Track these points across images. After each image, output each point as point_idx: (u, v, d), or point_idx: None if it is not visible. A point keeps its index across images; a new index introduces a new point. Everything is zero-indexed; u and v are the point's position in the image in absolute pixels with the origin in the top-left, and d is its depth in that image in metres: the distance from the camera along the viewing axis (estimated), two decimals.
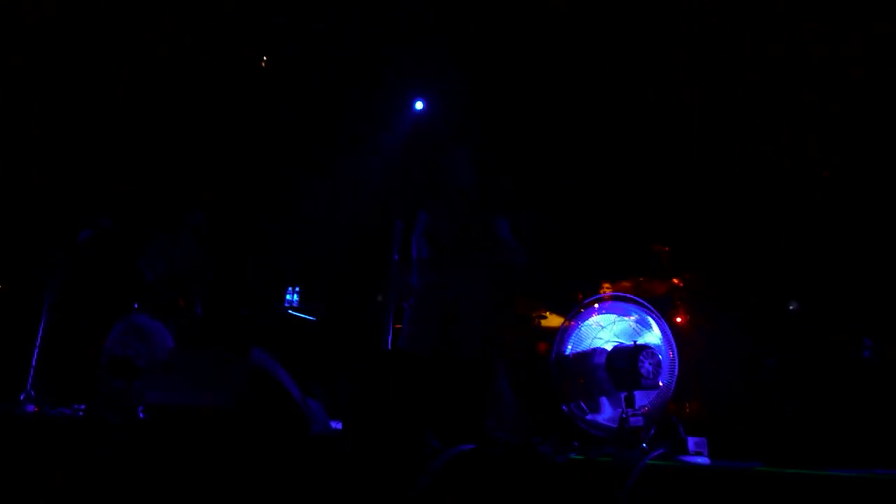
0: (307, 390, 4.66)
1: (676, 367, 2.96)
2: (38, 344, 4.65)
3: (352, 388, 3.46)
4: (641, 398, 3.03)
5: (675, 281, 6.19)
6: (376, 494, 2.85)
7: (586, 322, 5.98)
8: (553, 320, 6.83)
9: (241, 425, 3.38)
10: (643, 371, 2.99)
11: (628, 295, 3.40)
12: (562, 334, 6.29)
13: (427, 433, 3.03)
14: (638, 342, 3.19)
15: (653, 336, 3.22)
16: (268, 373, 3.57)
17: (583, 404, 5.43)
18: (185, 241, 6.16)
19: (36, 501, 3.46)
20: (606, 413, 3.48)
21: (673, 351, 2.97)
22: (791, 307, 6.84)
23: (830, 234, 7.15)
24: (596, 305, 6.16)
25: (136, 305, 4.31)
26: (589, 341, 3.66)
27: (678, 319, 3.44)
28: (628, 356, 3.25)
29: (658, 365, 3.05)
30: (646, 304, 3.28)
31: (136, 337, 4.25)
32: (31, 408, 4.25)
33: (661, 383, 3.03)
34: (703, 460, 2.74)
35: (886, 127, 6.99)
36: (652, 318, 3.25)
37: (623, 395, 3.01)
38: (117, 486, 3.35)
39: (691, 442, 2.74)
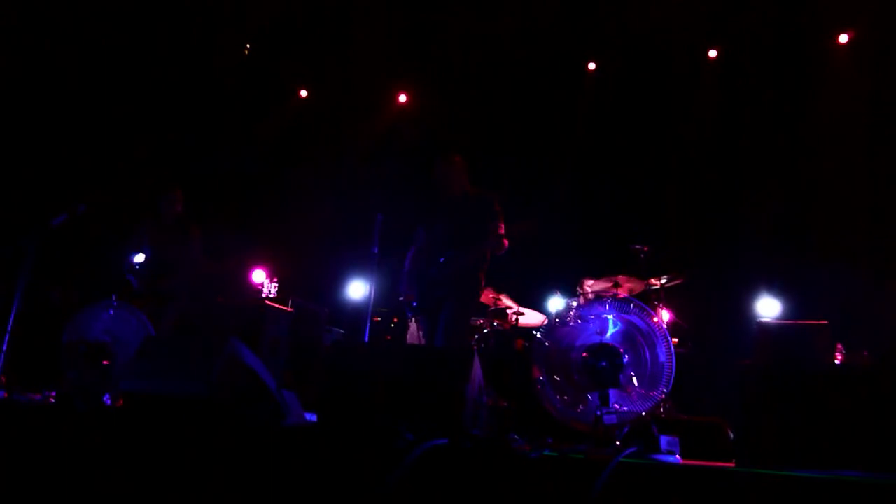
0: (282, 381, 4.68)
1: (670, 376, 2.97)
2: (9, 329, 4.59)
3: (327, 379, 3.46)
4: (622, 398, 3.05)
5: (653, 281, 6.23)
6: (349, 487, 2.85)
7: (571, 319, 6.04)
8: (530, 317, 6.88)
9: (214, 414, 3.36)
10: (621, 374, 3.01)
11: (629, 297, 3.41)
12: (548, 331, 6.35)
13: (401, 426, 3.03)
14: (614, 345, 3.20)
15: (642, 341, 3.22)
16: (243, 362, 3.55)
17: (561, 399, 5.47)
18: (171, 230, 6.11)
19: (5, 487, 3.42)
20: (584, 409, 3.49)
21: (671, 360, 2.98)
22: (762, 317, 6.93)
23: (804, 236, 7.26)
24: (579, 302, 6.22)
25: (113, 296, 4.26)
26: (572, 339, 3.67)
27: (654, 319, 3.45)
28: (602, 355, 3.26)
29: (621, 367, 3.08)
30: (642, 304, 3.29)
31: (111, 324, 4.21)
32: (1, 394, 4.20)
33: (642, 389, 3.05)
34: (674, 459, 2.77)
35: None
36: (640, 319, 3.25)
37: (596, 394, 3.03)
38: (88, 472, 3.32)
39: (664, 441, 2.77)
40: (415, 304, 5.00)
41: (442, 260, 4.83)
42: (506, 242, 4.92)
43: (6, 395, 4.16)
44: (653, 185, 8.02)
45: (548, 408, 5.29)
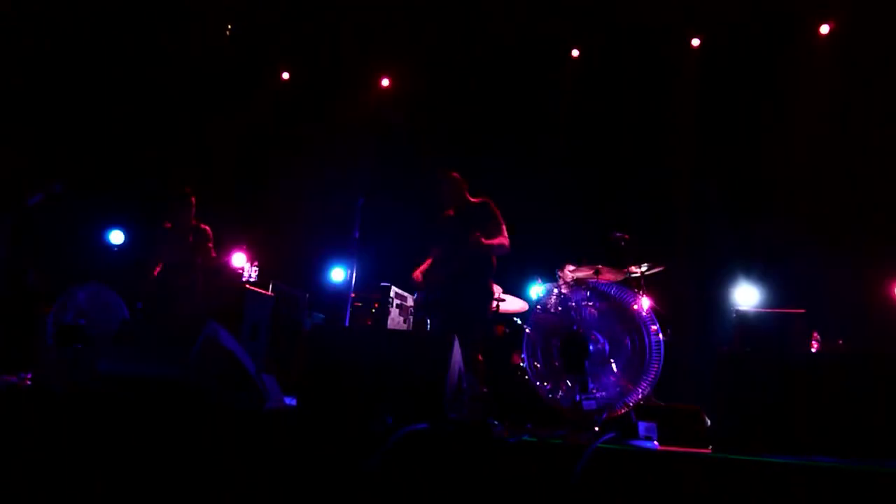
0: (263, 365, 4.67)
1: (655, 365, 2.98)
2: None
3: (307, 363, 3.45)
4: (604, 383, 3.06)
5: (632, 268, 6.27)
6: (328, 471, 2.85)
7: (552, 306, 6.07)
8: (511, 303, 6.89)
9: (192, 397, 3.34)
10: (600, 360, 3.03)
11: (611, 283, 3.41)
12: (529, 317, 6.37)
13: (381, 411, 3.03)
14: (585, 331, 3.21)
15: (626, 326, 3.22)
16: (222, 346, 3.53)
17: (541, 385, 5.50)
18: (185, 234, 6.16)
19: None
20: (565, 394, 3.50)
21: (656, 349, 2.98)
22: (741, 305, 7.00)
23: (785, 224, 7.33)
24: (560, 289, 6.25)
25: (92, 279, 4.22)
26: (552, 325, 3.68)
27: (636, 306, 3.47)
28: (581, 341, 3.26)
29: (601, 353, 3.09)
30: (623, 291, 3.29)
31: (89, 306, 4.16)
32: None
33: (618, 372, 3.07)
34: (652, 445, 2.79)
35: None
36: (622, 306, 3.26)
37: (576, 380, 3.05)
38: (64, 455, 3.29)
39: (642, 427, 2.79)
40: (431, 298, 5.45)
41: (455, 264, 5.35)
42: (507, 243, 5.44)
43: None
44: (634, 173, 8.05)
45: (528, 394, 5.33)
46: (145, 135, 8.60)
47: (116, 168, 8.40)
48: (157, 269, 6.09)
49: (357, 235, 4.93)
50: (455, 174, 5.68)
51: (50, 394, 3.66)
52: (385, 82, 9.36)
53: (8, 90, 7.73)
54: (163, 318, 5.18)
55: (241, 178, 8.82)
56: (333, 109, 8.92)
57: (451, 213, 5.66)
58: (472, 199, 5.66)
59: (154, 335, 3.66)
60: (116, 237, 8.36)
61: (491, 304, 5.66)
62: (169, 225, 6.22)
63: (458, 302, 5.29)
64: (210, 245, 6.18)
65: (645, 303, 5.92)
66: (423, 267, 5.65)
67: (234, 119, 8.82)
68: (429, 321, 5.46)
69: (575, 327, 3.35)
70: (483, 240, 5.21)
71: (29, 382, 4.00)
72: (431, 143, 8.52)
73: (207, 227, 6.24)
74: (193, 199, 6.23)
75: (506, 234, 5.44)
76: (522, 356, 6.02)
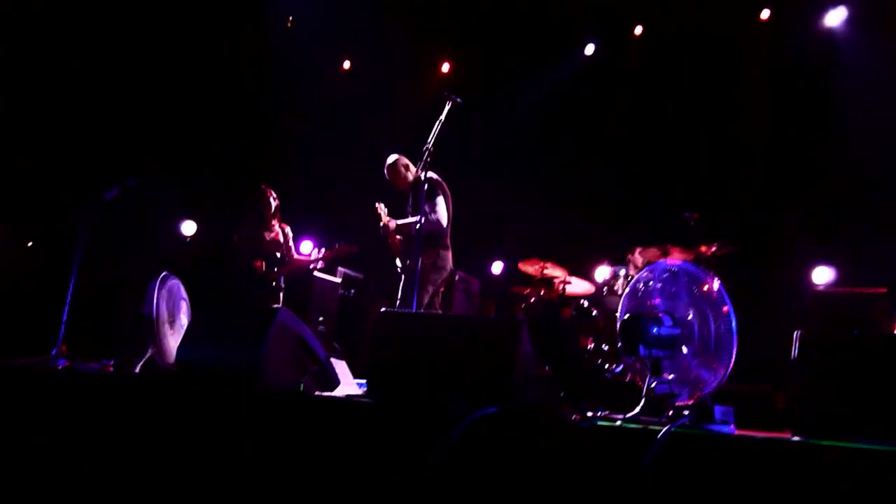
0: (332, 350, 4.73)
1: (730, 349, 2.88)
2: (68, 301, 4.72)
3: (375, 349, 3.47)
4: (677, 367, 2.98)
5: (703, 248, 6.11)
6: (400, 456, 2.86)
7: (619, 287, 5.97)
8: (578, 286, 6.82)
9: (265, 385, 3.41)
10: (674, 343, 2.95)
11: (682, 264, 3.33)
12: (596, 299, 6.30)
13: (451, 395, 3.03)
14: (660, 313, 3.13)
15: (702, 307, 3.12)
16: (293, 333, 3.58)
17: (610, 368, 5.45)
18: (269, 228, 6.34)
19: (67, 454, 3.54)
20: (635, 378, 3.43)
21: (730, 332, 2.89)
22: (817, 285, 6.75)
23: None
24: (628, 271, 6.15)
25: (164, 272, 4.36)
26: (620, 307, 3.61)
27: (707, 288, 3.38)
28: (651, 323, 3.18)
29: (674, 337, 3.00)
30: (695, 270, 3.20)
31: (166, 298, 4.30)
32: (63, 363, 4.33)
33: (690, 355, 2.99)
34: (729, 429, 2.71)
35: None
36: (694, 286, 3.17)
37: (647, 363, 2.98)
38: (144, 440, 3.40)
39: (718, 410, 2.71)
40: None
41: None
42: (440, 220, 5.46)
43: (68, 364, 4.28)
44: (703, 151, 7.83)
45: (597, 377, 5.28)
46: (215, 127, 8.79)
47: (188, 160, 8.62)
48: (240, 260, 6.22)
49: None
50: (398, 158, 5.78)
51: (130, 381, 3.80)
52: (445, 68, 9.33)
53: (84, 87, 8.00)
54: (238, 306, 5.30)
55: (309, 165, 8.93)
56: (394, 95, 8.94)
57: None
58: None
59: (229, 323, 3.73)
60: (188, 228, 8.61)
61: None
62: (251, 217, 6.35)
63: None
64: (290, 244, 6.30)
65: (717, 283, 5.80)
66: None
67: (298, 108, 8.93)
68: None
69: (644, 309, 3.27)
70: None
71: (111, 370, 4.15)
72: (491, 128, 8.47)
73: (287, 226, 6.36)
74: (273, 196, 6.34)
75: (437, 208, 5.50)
76: (590, 339, 6.00)
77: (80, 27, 7.92)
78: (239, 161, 8.82)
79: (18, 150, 7.73)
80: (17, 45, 7.59)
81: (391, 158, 5.78)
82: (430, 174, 5.27)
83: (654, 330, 2.95)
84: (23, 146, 7.78)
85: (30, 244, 7.69)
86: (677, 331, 3.04)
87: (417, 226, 4.74)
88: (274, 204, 6.35)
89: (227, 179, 8.70)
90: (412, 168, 5.73)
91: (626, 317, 3.05)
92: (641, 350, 2.89)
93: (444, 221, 5.44)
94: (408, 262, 5.36)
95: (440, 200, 5.47)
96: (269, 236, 6.23)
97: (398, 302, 5.33)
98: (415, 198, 5.57)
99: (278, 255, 6.14)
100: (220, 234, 7.83)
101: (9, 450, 3.69)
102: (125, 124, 8.22)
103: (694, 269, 3.34)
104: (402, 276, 5.44)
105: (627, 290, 3.86)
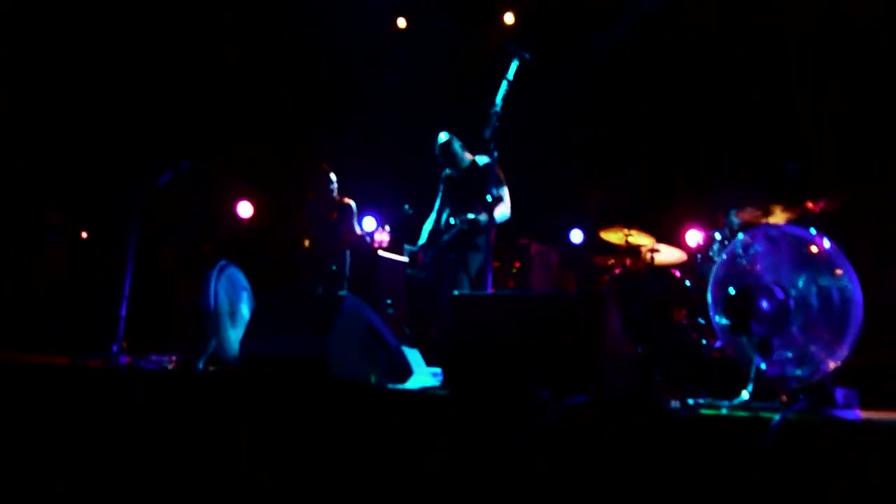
0: (402, 337, 4.74)
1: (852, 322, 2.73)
2: (126, 293, 4.85)
3: (450, 334, 3.45)
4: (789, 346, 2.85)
5: (809, 205, 5.84)
6: (481, 451, 2.84)
7: (715, 254, 5.79)
8: (667, 254, 6.65)
9: (336, 375, 3.44)
10: (781, 317, 2.83)
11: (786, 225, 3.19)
12: (690, 268, 6.13)
13: (535, 383, 2.99)
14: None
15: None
16: (362, 319, 3.61)
17: (709, 345, 5.30)
18: (330, 210, 6.46)
19: (136, 455, 3.65)
20: (740, 358, 3.31)
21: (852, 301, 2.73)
22: None
23: None
24: (724, 235, 5.96)
25: (223, 260, 4.43)
26: (717, 276, 3.49)
27: (818, 250, 3.22)
28: (756, 293, 3.04)
29: (783, 310, 2.87)
30: (803, 232, 3.06)
31: (228, 287, 4.38)
32: (124, 359, 4.47)
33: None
34: (854, 414, 2.59)
35: None
36: (802, 250, 3.02)
37: (754, 340, 2.87)
38: (213, 439, 3.48)
39: (839, 393, 2.59)
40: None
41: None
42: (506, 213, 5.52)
43: (129, 361, 4.41)
44: (805, 88, 7.43)
45: (695, 356, 5.14)
46: (267, 103, 8.88)
47: (241, 141, 8.74)
48: (305, 243, 6.30)
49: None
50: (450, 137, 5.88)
51: (194, 377, 3.89)
52: (509, 18, 9.16)
53: (131, 70, 8.18)
54: (303, 294, 5.37)
55: (367, 136, 8.94)
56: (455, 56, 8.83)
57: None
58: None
59: (294, 313, 3.77)
60: (245, 209, 8.78)
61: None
62: (312, 197, 6.41)
63: None
64: (353, 220, 6.33)
65: (828, 243, 5.56)
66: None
67: (352, 75, 8.92)
68: None
69: (747, 279, 3.14)
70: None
71: (174, 366, 4.26)
72: (562, 83, 8.30)
73: (351, 201, 6.40)
74: (333, 174, 6.39)
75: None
76: (684, 312, 5.85)
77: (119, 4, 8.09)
78: (294, 137, 8.90)
79: (69, 138, 7.98)
80: (60, 30, 7.80)
81: (444, 137, 5.82)
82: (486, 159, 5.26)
83: (764, 304, 2.82)
84: (74, 132, 8.03)
85: (84, 235, 7.96)
86: (789, 303, 2.91)
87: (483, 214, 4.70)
88: (335, 182, 6.40)
89: (282, 157, 8.81)
90: (466, 151, 5.80)
91: (731, 290, 2.93)
92: (755, 328, 2.77)
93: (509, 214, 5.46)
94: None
95: (506, 190, 5.50)
96: (329, 214, 6.29)
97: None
98: (473, 182, 5.59)
99: (340, 233, 6.20)
100: (281, 216, 7.95)
101: (76, 451, 3.84)
102: (175, 105, 8.39)
103: (797, 230, 3.20)
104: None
105: (723, 256, 3.74)
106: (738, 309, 2.99)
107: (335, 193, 6.41)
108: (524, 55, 4.65)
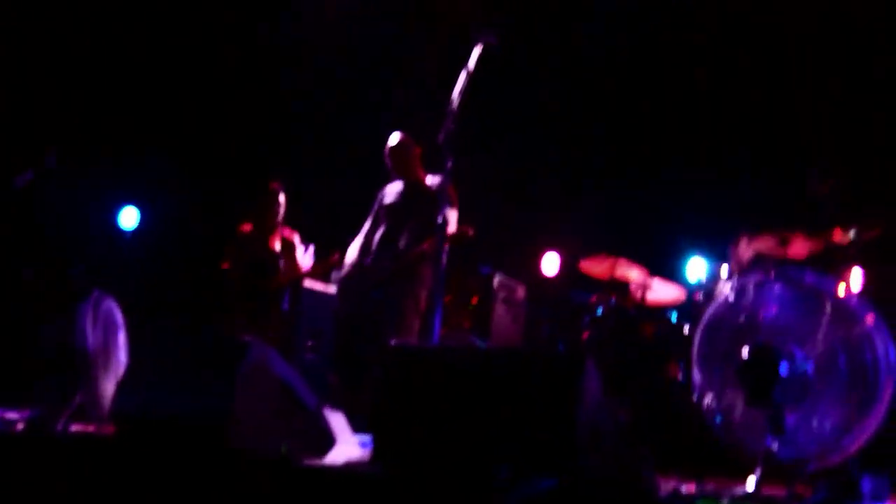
0: (324, 397, 4.68)
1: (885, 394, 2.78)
2: None
3: (384, 395, 3.44)
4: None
5: (838, 234, 5.95)
6: None
7: (720, 294, 5.87)
8: (662, 291, 6.72)
9: (234, 444, 3.40)
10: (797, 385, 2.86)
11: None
12: (688, 311, 6.20)
13: (492, 460, 2.99)
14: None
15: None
16: (272, 373, 3.58)
17: (710, 411, 5.35)
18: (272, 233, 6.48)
19: None
20: (746, 431, 3.35)
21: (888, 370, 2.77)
22: None
23: None
24: (731, 269, 6.05)
25: (96, 291, 4.37)
26: (722, 323, 3.54)
27: (848, 302, 3.27)
28: (767, 352, 3.09)
29: (801, 375, 2.92)
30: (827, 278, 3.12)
31: (102, 325, 4.32)
32: None
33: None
34: None
35: None
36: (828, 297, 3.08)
37: (768, 415, 2.90)
38: None
39: (867, 483, 2.62)
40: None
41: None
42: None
43: None
44: (836, 100, 7.63)
45: (692, 422, 5.18)
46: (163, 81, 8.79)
47: (129, 130, 8.62)
48: (232, 280, 6.25)
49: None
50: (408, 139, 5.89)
51: (51, 442, 3.79)
52: None
53: None
54: (199, 338, 5.33)
55: (293, 138, 8.92)
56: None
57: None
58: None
59: (185, 362, 3.72)
60: (129, 217, 8.56)
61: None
62: (249, 228, 6.36)
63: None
64: (296, 255, 6.33)
65: (856, 281, 5.66)
66: None
67: (273, 59, 8.90)
68: None
69: (760, 335, 3.19)
70: None
71: (22, 426, 4.15)
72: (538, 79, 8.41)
73: (295, 234, 6.38)
74: (282, 197, 6.36)
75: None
76: (682, 366, 5.91)
77: None
78: (196, 128, 8.81)
79: None
80: None
81: (397, 138, 5.81)
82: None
83: (784, 369, 2.87)
84: None
85: None
86: (809, 367, 2.95)
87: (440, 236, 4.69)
88: (282, 205, 6.39)
89: (179, 152, 8.70)
90: (419, 162, 5.83)
91: (748, 351, 2.96)
92: (786, 398, 2.81)
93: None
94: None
95: (455, 215, 5.53)
96: (273, 243, 6.30)
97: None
98: (418, 200, 5.64)
99: (280, 266, 6.19)
100: (185, 229, 7.86)
101: None
102: (36, 82, 8.26)
103: (820, 278, 3.26)
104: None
105: (726, 294, 3.82)
106: (756, 374, 3.03)
107: (280, 218, 6.39)
108: (490, 42, 4.67)
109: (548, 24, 8.54)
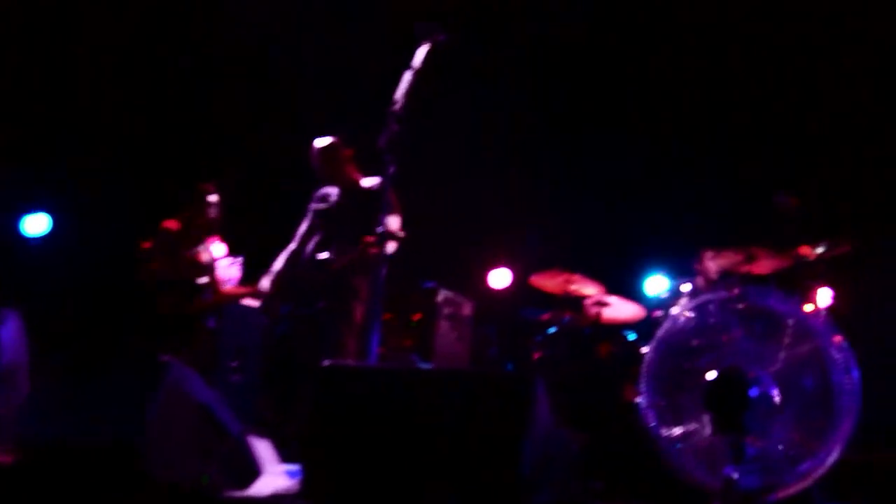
0: (248, 422, 4.66)
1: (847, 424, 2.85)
2: None
3: (315, 420, 3.44)
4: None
5: (805, 250, 6.08)
6: None
7: (680, 313, 5.95)
8: (620, 309, 6.79)
9: (151, 473, 3.37)
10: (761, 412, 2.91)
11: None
12: (647, 330, 6.26)
13: (432, 491, 3.00)
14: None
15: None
16: (190, 398, 3.56)
17: (668, 437, 5.41)
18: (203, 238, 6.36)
19: None
20: (705, 457, 3.40)
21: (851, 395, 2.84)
22: None
23: None
24: (695, 286, 6.14)
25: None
26: (683, 344, 3.59)
27: (807, 307, 3.36)
28: (729, 377, 3.15)
29: (767, 402, 2.97)
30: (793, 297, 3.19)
31: (9, 343, 4.28)
32: None
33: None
34: None
35: None
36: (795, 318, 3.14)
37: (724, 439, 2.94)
38: None
39: None
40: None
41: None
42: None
43: None
44: (803, 114, 7.81)
45: (649, 450, 5.23)
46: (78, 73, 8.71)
47: (39, 126, 8.52)
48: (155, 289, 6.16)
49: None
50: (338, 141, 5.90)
51: None
52: None
53: None
54: (111, 357, 5.29)
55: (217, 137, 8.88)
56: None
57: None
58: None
59: (95, 384, 3.70)
60: (36, 224, 8.41)
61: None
62: (176, 226, 6.25)
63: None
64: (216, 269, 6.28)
65: (824, 298, 5.77)
66: None
67: (197, 50, 8.86)
68: None
69: (725, 357, 3.25)
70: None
71: None
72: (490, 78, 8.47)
73: (224, 244, 6.31)
74: (216, 199, 6.26)
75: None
76: (639, 389, 5.95)
77: None
78: (114, 124, 8.74)
79: None
80: None
81: (324, 141, 5.78)
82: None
83: (755, 392, 2.93)
84: None
85: None
86: (773, 390, 3.01)
87: (381, 246, 4.70)
88: (213, 211, 6.28)
89: (96, 151, 8.61)
90: (353, 166, 5.82)
91: (714, 375, 3.01)
92: (751, 424, 2.86)
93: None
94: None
95: (398, 221, 5.47)
96: (200, 256, 6.22)
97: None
98: (355, 206, 5.63)
99: (206, 281, 6.11)
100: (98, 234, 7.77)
101: None
102: None
103: (781, 298, 3.33)
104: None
105: (686, 314, 3.88)
106: (724, 400, 3.08)
107: (209, 221, 6.31)
108: (439, 37, 4.71)
109: (502, 26, 8.62)
